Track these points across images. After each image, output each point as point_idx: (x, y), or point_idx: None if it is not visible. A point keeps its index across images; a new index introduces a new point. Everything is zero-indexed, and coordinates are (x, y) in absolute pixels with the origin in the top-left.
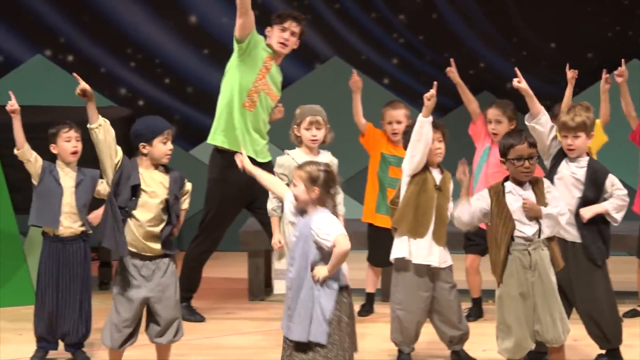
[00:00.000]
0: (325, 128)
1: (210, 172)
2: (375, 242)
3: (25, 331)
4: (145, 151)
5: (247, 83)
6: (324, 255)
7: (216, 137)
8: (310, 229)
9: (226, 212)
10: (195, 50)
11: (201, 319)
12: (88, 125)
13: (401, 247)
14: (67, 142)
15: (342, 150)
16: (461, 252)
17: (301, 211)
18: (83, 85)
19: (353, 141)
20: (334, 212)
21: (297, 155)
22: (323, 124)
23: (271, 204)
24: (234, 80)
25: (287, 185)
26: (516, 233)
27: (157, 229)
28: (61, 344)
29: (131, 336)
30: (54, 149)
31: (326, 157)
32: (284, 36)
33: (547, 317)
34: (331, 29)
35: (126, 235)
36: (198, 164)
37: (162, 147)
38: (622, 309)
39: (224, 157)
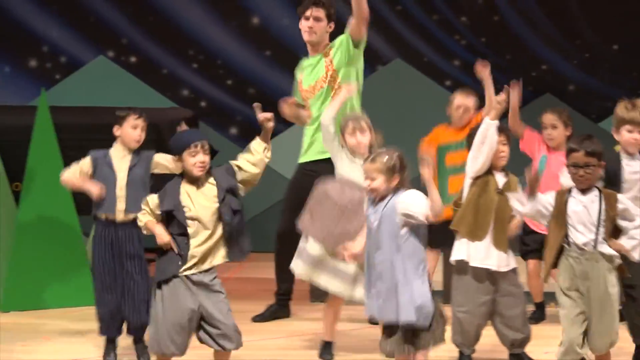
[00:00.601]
0: (371, 132)
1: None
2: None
3: (89, 331)
4: (180, 166)
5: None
6: (412, 232)
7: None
8: (394, 211)
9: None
10: (257, 51)
11: (263, 320)
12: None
13: (461, 249)
14: (133, 129)
15: (404, 151)
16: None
17: (373, 200)
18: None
19: (414, 142)
20: None
21: (341, 165)
22: (367, 128)
23: None
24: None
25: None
26: (570, 239)
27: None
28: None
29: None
30: (117, 131)
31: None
32: (308, 24)
33: (598, 326)
34: (393, 30)
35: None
36: None
37: (190, 159)
38: None
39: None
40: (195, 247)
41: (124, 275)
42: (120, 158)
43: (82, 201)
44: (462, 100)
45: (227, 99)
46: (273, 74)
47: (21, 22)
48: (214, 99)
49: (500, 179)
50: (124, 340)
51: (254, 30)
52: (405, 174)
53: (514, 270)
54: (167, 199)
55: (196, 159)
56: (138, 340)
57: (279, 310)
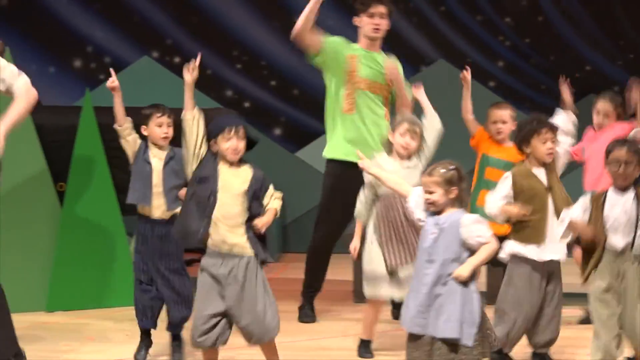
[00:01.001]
0: (419, 140)
1: (326, 180)
2: None
3: (133, 332)
4: (214, 149)
5: (338, 89)
6: (468, 254)
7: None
8: (459, 228)
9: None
10: (301, 52)
11: (312, 320)
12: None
13: (514, 246)
14: (159, 127)
15: (447, 154)
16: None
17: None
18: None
19: (458, 143)
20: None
21: (385, 162)
22: (419, 134)
23: (357, 208)
24: (328, 90)
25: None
26: (607, 241)
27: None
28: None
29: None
30: (144, 131)
31: (413, 162)
32: (374, 22)
33: (634, 325)
34: (437, 31)
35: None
36: (303, 166)
37: (224, 144)
38: None
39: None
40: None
41: (161, 271)
42: (153, 156)
43: (125, 201)
44: (497, 115)
45: (271, 100)
46: (317, 75)
47: (66, 23)
48: (257, 100)
49: (542, 175)
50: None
51: None
52: (463, 186)
53: (559, 269)
54: (203, 170)
55: (229, 144)
56: (175, 337)
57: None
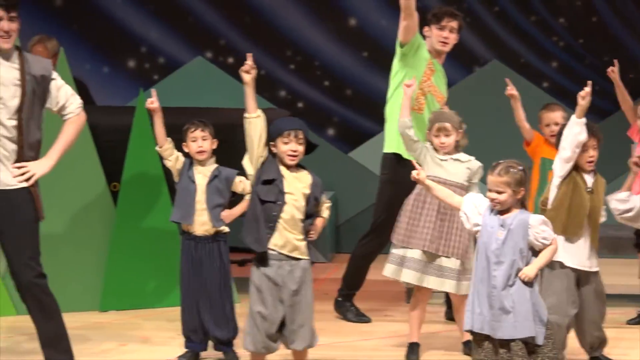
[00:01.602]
0: (457, 133)
1: (382, 173)
2: None
3: None
4: (274, 150)
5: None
6: (531, 254)
7: (391, 144)
8: (526, 229)
9: (397, 212)
10: (354, 52)
11: (367, 320)
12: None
13: None
14: (193, 142)
15: (502, 153)
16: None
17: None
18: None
19: (512, 144)
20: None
21: (435, 152)
22: (451, 130)
23: None
24: (401, 85)
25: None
26: None
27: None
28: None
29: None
30: (185, 147)
31: (464, 156)
32: (443, 34)
33: None
34: (490, 31)
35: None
36: (357, 167)
37: (282, 147)
38: None
39: (398, 159)
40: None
41: (205, 291)
42: (197, 173)
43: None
44: (550, 118)
45: (324, 100)
46: (370, 75)
47: (120, 23)
48: (311, 100)
49: (589, 179)
50: None
51: (351, 32)
52: (528, 186)
53: (598, 272)
54: (267, 172)
55: (288, 147)
56: (226, 353)
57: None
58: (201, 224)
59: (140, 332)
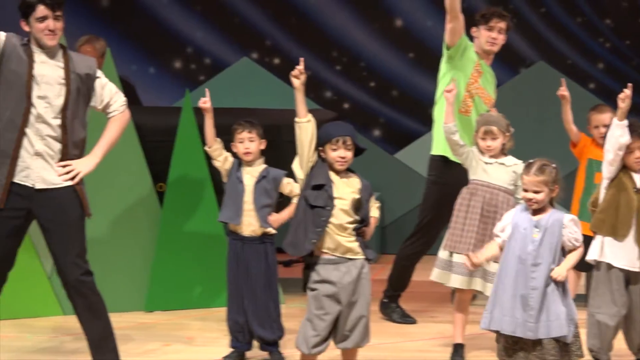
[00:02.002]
0: (503, 136)
1: (429, 174)
2: None
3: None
4: (323, 156)
5: (460, 89)
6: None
7: (439, 147)
8: (561, 228)
9: (442, 214)
10: (400, 53)
11: (412, 321)
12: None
13: (601, 250)
14: (240, 143)
15: (546, 154)
16: None
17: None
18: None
19: (557, 145)
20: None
21: (481, 155)
22: (498, 133)
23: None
24: (444, 84)
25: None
26: None
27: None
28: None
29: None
30: (233, 148)
31: (514, 160)
32: (492, 35)
33: None
34: (537, 33)
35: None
36: (403, 168)
37: (331, 153)
38: None
39: (445, 161)
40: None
41: (252, 291)
42: (246, 173)
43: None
44: (598, 119)
45: (370, 101)
46: (416, 76)
47: (167, 24)
48: (357, 101)
49: (637, 178)
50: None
51: (397, 33)
52: (561, 185)
53: None
54: (316, 177)
55: (336, 154)
56: (272, 353)
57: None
58: (248, 224)
59: (185, 333)
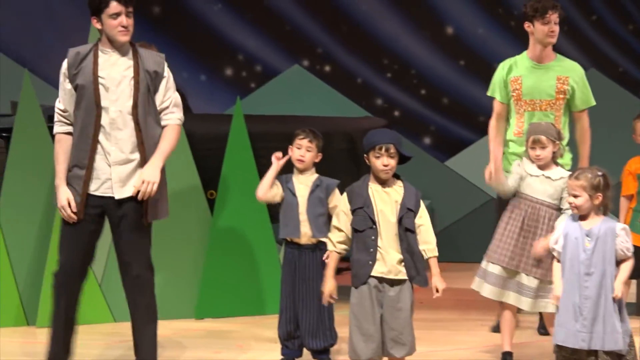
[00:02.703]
0: (553, 145)
1: None
2: None
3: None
4: (368, 163)
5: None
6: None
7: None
8: (614, 237)
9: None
10: (451, 61)
11: None
12: None
13: None
14: (298, 149)
15: (594, 161)
16: None
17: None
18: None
19: (606, 152)
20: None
21: (530, 165)
22: (547, 142)
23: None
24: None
25: None
26: None
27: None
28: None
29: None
30: (290, 151)
31: (561, 172)
32: (550, 28)
33: None
34: (588, 40)
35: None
36: (453, 175)
37: (374, 161)
38: None
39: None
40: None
41: (305, 299)
42: (299, 182)
43: (276, 209)
44: None
45: (420, 109)
46: (467, 84)
47: (218, 31)
48: (407, 108)
49: None
50: None
51: (448, 40)
52: (608, 193)
53: None
54: (355, 197)
55: (379, 162)
56: None
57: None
58: (304, 234)
59: (235, 340)
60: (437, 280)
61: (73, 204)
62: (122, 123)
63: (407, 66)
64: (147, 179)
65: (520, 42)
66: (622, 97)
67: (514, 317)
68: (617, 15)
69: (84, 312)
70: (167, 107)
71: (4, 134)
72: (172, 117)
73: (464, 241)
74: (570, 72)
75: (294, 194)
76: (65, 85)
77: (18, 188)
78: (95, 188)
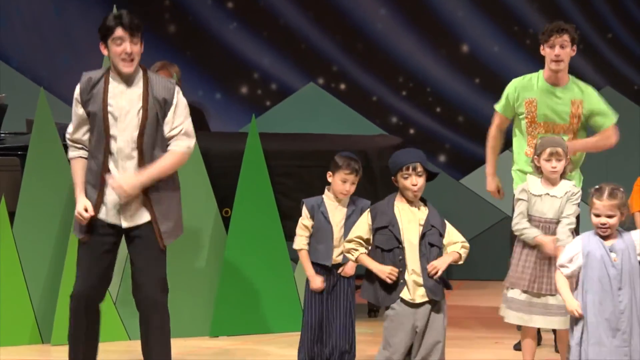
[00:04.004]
0: (566, 159)
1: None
2: None
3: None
4: (397, 185)
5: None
6: None
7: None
8: (632, 249)
9: None
10: (466, 79)
11: None
12: None
13: None
14: (343, 183)
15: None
16: None
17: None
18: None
19: (621, 169)
20: None
21: (534, 184)
22: (563, 155)
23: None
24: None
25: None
26: None
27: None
28: None
29: None
30: (329, 177)
31: (566, 186)
32: (554, 52)
33: None
34: (603, 58)
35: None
36: (468, 193)
37: (404, 182)
38: None
39: None
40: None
41: (331, 316)
42: (334, 208)
43: (291, 227)
44: None
45: (436, 127)
46: (482, 102)
47: (233, 50)
48: (422, 126)
49: None
50: None
51: (463, 58)
52: (626, 209)
53: None
54: (380, 216)
55: (408, 182)
56: None
57: None
58: (335, 260)
59: (252, 357)
60: (438, 262)
61: (90, 209)
62: (129, 152)
63: (423, 84)
64: (120, 183)
65: (535, 61)
66: (638, 114)
67: (534, 341)
68: (633, 34)
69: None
70: (175, 135)
71: (19, 152)
72: (179, 144)
73: (480, 259)
74: (585, 95)
75: (328, 221)
76: (77, 110)
77: (33, 206)
78: (105, 215)
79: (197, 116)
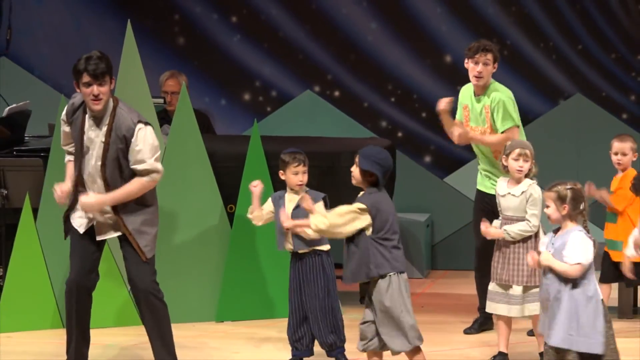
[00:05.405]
0: (532, 162)
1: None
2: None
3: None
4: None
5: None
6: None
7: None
8: (565, 243)
9: None
10: (449, 86)
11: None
12: None
13: None
14: (295, 175)
15: (585, 180)
16: None
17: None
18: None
19: (595, 173)
20: (585, 227)
21: (501, 185)
22: (530, 156)
23: None
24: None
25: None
26: None
27: None
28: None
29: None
30: (282, 176)
31: (523, 186)
32: (477, 69)
33: None
34: (574, 67)
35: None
36: (451, 191)
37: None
38: None
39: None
40: None
41: (310, 302)
42: (289, 200)
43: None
44: (617, 146)
45: (421, 130)
46: None
47: (237, 60)
48: (409, 130)
49: None
50: None
51: (446, 68)
52: (578, 207)
53: None
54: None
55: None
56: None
57: (485, 323)
58: (288, 247)
59: (253, 342)
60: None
61: (65, 190)
62: (96, 178)
63: (410, 91)
64: (82, 200)
65: (512, 70)
66: (606, 119)
67: (507, 324)
68: (601, 45)
69: (115, 315)
70: (138, 168)
71: (42, 154)
72: (142, 175)
73: (461, 251)
74: (492, 100)
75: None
76: (64, 127)
77: (54, 203)
78: (82, 225)
79: (204, 121)
